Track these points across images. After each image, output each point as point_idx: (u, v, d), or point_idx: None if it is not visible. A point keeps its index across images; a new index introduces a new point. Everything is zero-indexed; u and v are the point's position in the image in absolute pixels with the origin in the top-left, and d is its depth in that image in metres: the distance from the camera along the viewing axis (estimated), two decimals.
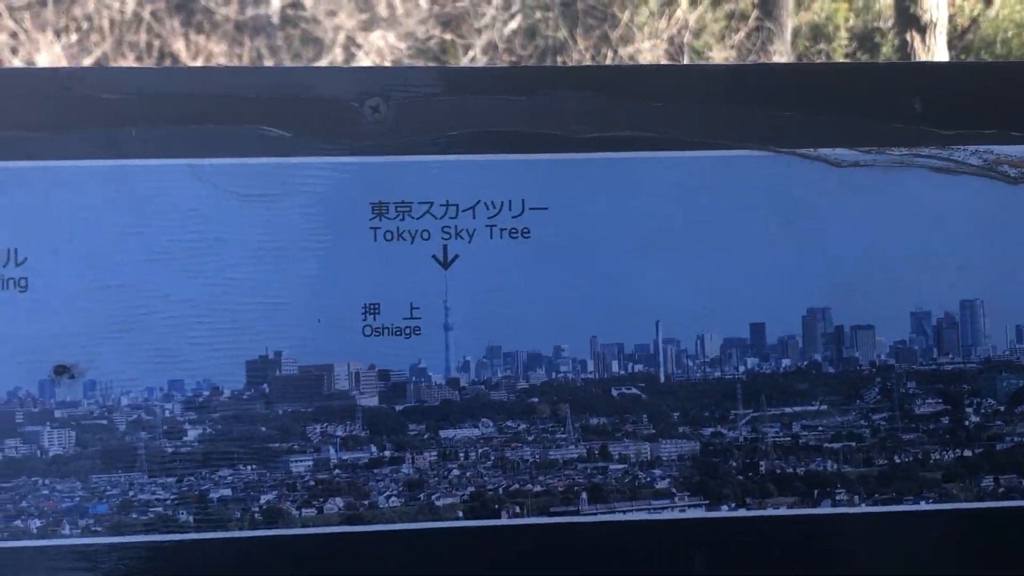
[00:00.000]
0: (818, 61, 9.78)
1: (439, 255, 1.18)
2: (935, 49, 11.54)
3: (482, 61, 10.36)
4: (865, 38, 13.61)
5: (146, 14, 12.96)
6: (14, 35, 11.22)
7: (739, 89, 1.21)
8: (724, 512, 1.18)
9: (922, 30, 11.27)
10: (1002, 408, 1.21)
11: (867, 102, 1.21)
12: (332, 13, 10.95)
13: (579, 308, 1.18)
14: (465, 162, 1.18)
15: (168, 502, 1.14)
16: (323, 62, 11.06)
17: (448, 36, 11.62)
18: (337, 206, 1.17)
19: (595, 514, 1.17)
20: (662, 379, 1.19)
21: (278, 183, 1.16)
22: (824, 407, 1.20)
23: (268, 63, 11.72)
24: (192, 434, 1.15)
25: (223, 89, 1.17)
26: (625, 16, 11.91)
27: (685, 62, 11.85)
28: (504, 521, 1.17)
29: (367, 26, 11.30)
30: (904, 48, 11.86)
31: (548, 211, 1.18)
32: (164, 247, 1.15)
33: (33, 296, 1.14)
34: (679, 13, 12.19)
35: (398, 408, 1.17)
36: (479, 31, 10.76)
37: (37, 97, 1.15)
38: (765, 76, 1.26)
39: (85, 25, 12.72)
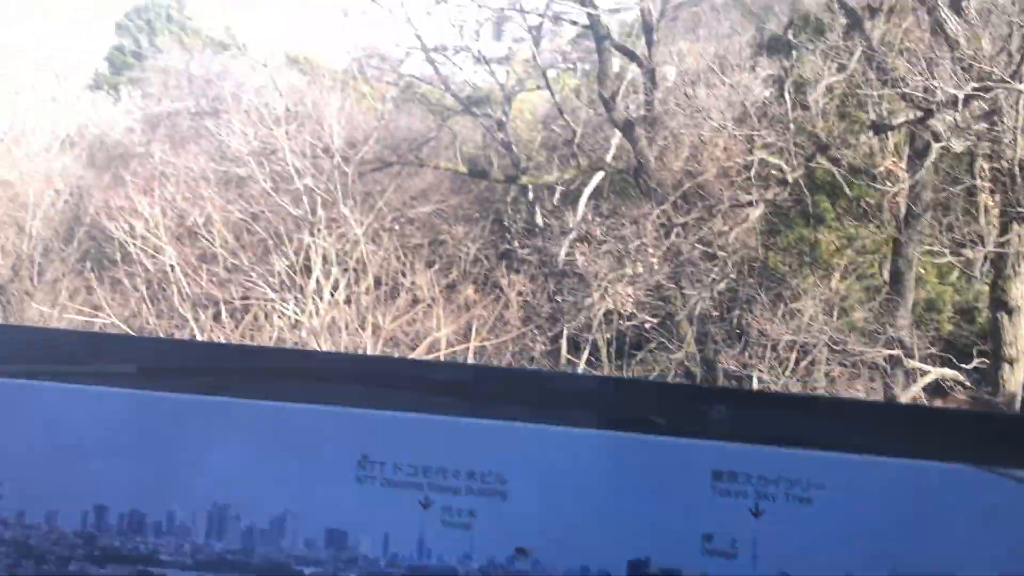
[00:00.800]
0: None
1: (752, 508, 1.24)
2: (1020, 325, 10.75)
3: (697, 309, 10.41)
4: (965, 312, 12.88)
5: (482, 257, 13.65)
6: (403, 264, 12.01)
7: (935, 428, 1.25)
8: None
9: (1009, 312, 10.57)
10: None
11: None
12: (595, 273, 11.29)
13: (842, 553, 1.22)
14: (773, 452, 1.26)
15: None
16: (591, 298, 11.37)
17: (672, 286, 11.77)
18: (694, 473, 1.27)
19: None
20: None
21: (640, 455, 1.27)
22: None
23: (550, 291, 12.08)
24: None
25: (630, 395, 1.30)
26: (794, 283, 11.72)
27: (835, 316, 11.49)
28: None
29: (619, 277, 11.58)
30: (996, 322, 11.11)
31: (824, 488, 1.24)
32: (587, 487, 1.27)
33: (510, 503, 1.27)
34: (833, 282, 11.89)
35: None
36: (695, 285, 10.85)
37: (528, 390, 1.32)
38: (963, 418, 1.29)
39: (446, 259, 13.52)
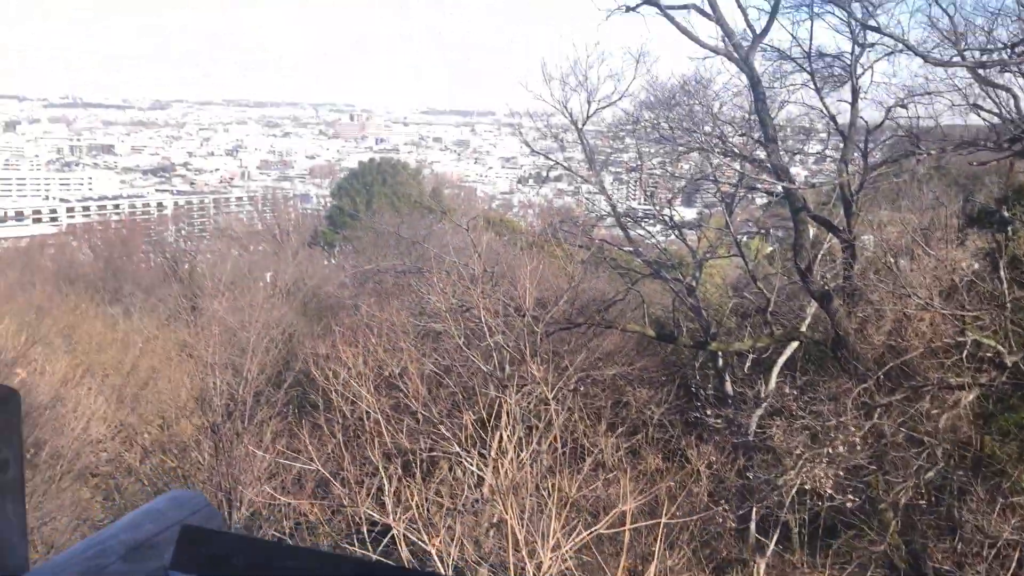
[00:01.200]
0: None
1: None
2: None
3: (902, 498, 9.64)
4: None
5: (667, 422, 13.39)
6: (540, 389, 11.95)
7: None
8: None
9: None
10: None
11: None
12: (789, 450, 10.77)
13: None
14: None
15: None
16: (785, 476, 10.81)
17: (874, 469, 10.99)
18: None
19: None
20: None
21: None
22: None
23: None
24: None
25: None
26: (1015, 475, 10.71)
27: None
28: None
29: (815, 456, 10.97)
30: None
31: None
32: None
33: None
34: None
35: None
36: (900, 471, 10.10)
37: None
38: None
39: (630, 424, 13.33)
